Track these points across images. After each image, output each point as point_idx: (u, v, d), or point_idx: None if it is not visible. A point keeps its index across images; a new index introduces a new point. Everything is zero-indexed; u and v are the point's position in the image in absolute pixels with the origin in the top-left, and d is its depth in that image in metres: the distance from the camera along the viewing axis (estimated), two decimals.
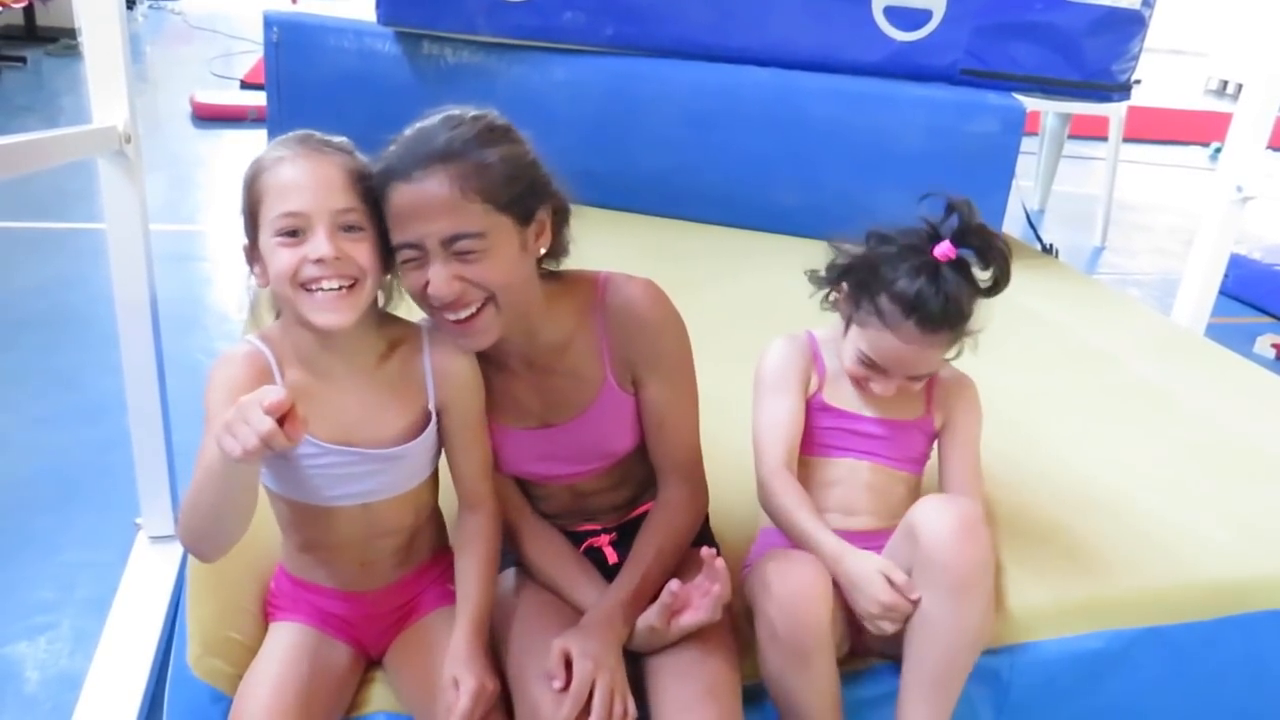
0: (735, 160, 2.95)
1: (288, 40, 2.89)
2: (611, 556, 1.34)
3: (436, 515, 1.32)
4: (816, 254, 1.40)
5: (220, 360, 1.15)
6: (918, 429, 1.44)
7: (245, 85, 6.44)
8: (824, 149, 2.92)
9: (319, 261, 1.05)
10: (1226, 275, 2.83)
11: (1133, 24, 3.11)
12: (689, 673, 1.20)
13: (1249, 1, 9.42)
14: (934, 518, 1.22)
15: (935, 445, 1.46)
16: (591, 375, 1.28)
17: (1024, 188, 4.75)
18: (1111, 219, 4.80)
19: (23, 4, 6.80)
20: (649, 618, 1.21)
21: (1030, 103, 3.09)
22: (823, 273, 1.40)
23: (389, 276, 1.16)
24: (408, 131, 1.16)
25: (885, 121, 2.91)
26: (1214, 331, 2.79)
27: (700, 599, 1.19)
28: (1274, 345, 3.83)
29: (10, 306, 3.12)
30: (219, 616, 1.25)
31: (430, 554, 1.31)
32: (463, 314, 1.14)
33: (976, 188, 3.00)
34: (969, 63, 3.04)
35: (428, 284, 1.12)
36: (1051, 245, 3.93)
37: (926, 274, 1.27)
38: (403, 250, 1.12)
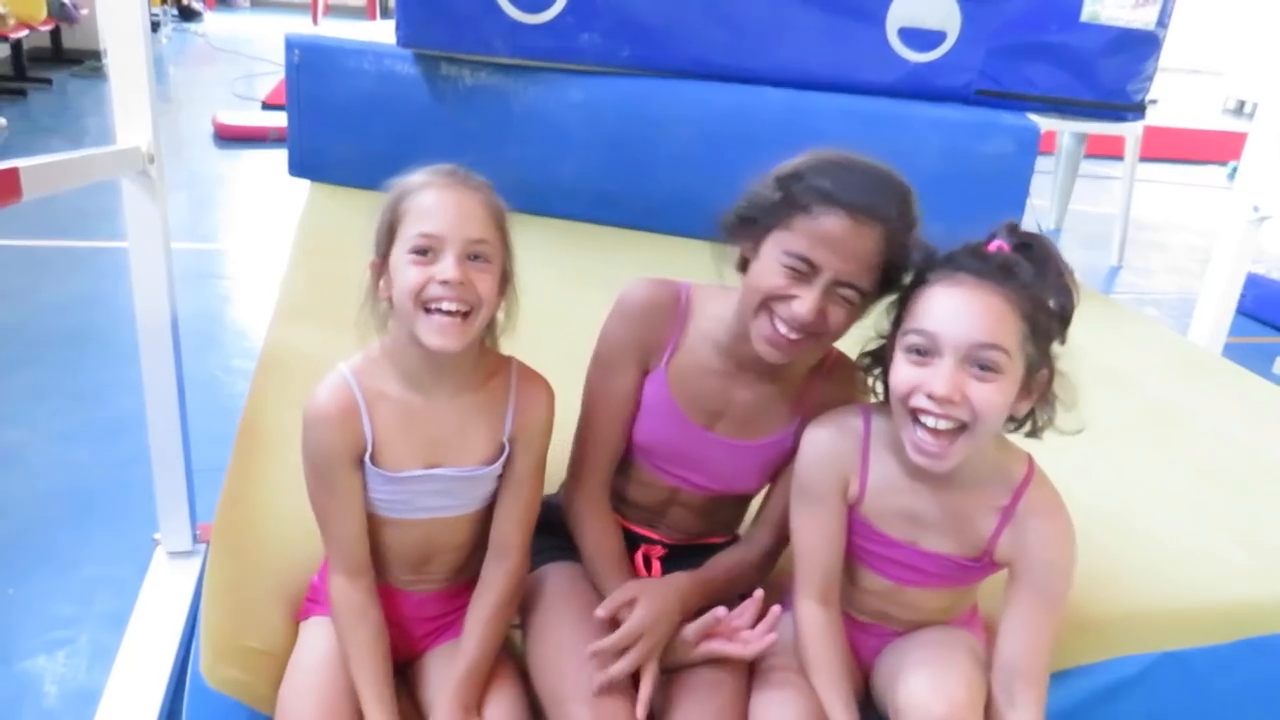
0: (750, 180, 2.96)
1: (308, 62, 2.93)
2: (656, 571, 1.35)
3: (480, 539, 1.34)
4: None
5: (314, 410, 1.17)
6: (977, 569, 1.21)
7: (266, 106, 6.52)
8: None
9: (445, 283, 1.09)
10: (1244, 295, 2.82)
11: (1147, 44, 3.12)
12: (709, 687, 1.22)
13: (1266, 21, 9.40)
14: (921, 705, 1.12)
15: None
16: (787, 412, 1.29)
17: (1039, 207, 4.74)
18: (1128, 238, 4.79)
19: (49, 26, 6.91)
20: (685, 631, 1.22)
21: (1045, 123, 3.09)
22: (871, 345, 1.21)
23: (500, 313, 1.20)
24: (850, 162, 1.16)
25: (900, 142, 2.92)
26: (1232, 351, 2.77)
27: (742, 636, 1.21)
28: None
29: (32, 324, 3.16)
30: (234, 625, 1.25)
31: (476, 573, 1.32)
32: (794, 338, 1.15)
33: (991, 208, 3.03)
34: (983, 83, 3.04)
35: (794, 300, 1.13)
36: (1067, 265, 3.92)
37: (968, 247, 1.12)
38: (792, 260, 1.13)
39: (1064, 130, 4.55)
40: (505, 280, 1.18)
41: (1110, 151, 5.15)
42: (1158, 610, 1.50)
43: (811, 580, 1.23)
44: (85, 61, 7.24)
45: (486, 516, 1.28)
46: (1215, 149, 7.65)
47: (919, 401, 1.07)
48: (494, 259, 1.14)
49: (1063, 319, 1.11)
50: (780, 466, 1.32)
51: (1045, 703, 1.17)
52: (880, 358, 1.19)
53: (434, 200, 1.12)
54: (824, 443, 1.21)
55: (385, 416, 1.18)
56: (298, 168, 3.04)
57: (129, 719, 1.63)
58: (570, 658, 1.21)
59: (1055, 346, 1.12)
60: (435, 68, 2.90)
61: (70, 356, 2.94)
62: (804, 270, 1.13)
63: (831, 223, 1.11)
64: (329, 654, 1.20)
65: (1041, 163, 3.29)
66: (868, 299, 1.16)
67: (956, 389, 1.05)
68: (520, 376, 1.24)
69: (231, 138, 5.79)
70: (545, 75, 2.91)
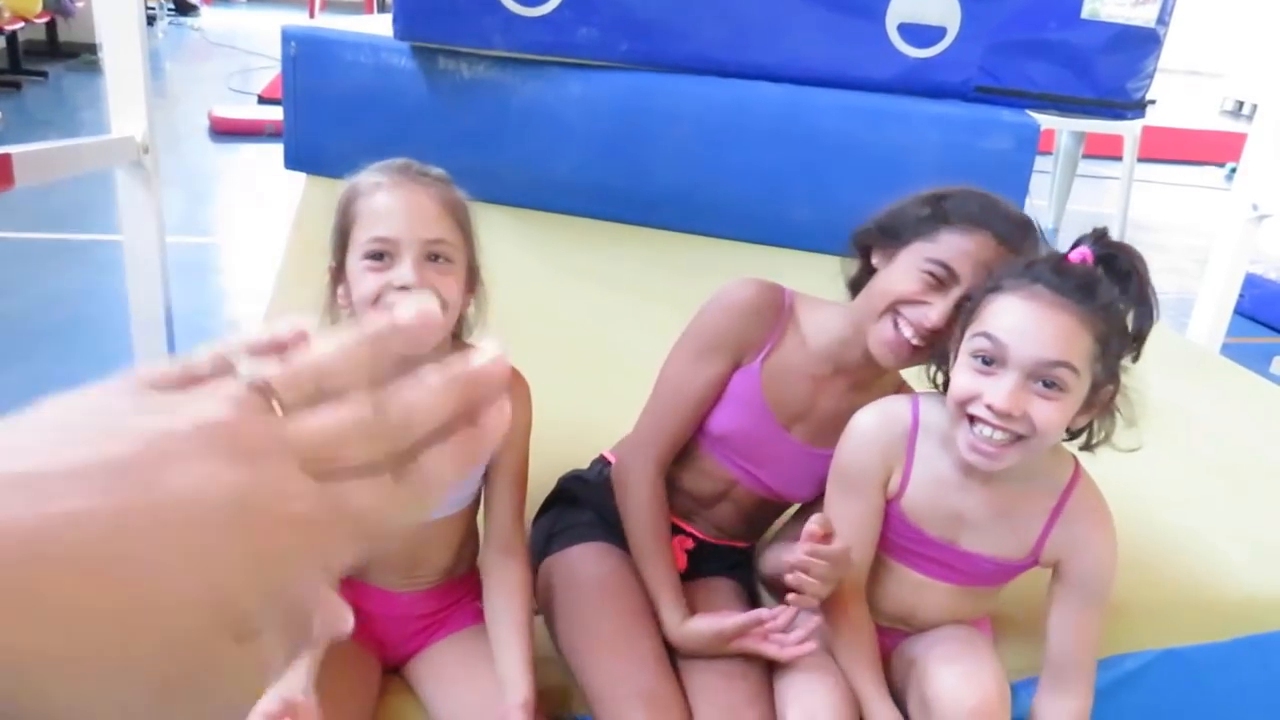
0: (748, 175, 2.95)
1: (305, 54, 2.91)
2: (681, 562, 1.36)
3: (476, 534, 1.33)
4: (830, 269, 1.39)
5: None
6: (1016, 569, 1.22)
7: (263, 100, 6.50)
8: (837, 165, 2.92)
9: (402, 289, 1.06)
10: (1242, 295, 2.82)
11: (1148, 42, 3.10)
12: (739, 672, 1.23)
13: (1265, 23, 9.41)
14: (953, 698, 1.13)
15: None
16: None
17: (1038, 206, 4.74)
18: (1126, 238, 4.75)
19: (45, 19, 6.88)
20: (724, 625, 1.22)
21: (1045, 120, 3.08)
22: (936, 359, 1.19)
23: (471, 307, 1.17)
24: (994, 198, 1.22)
25: (899, 138, 2.91)
26: (1230, 351, 2.77)
27: (777, 638, 1.21)
28: None
29: (27, 317, 3.14)
30: None
31: (468, 569, 1.32)
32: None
33: None
34: (983, 80, 3.03)
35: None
36: None
37: (1050, 259, 1.10)
38: (933, 266, 1.17)
39: (1063, 129, 4.54)
40: (472, 274, 1.14)
41: (1108, 152, 5.15)
42: (1156, 607, 1.50)
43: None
44: (81, 55, 7.22)
45: (470, 513, 1.27)
46: (1214, 150, 7.64)
47: (977, 410, 1.06)
48: (455, 257, 1.10)
49: (1137, 337, 1.10)
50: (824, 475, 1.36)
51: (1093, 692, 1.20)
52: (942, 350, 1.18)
53: (385, 202, 1.08)
54: (870, 430, 1.20)
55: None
56: (294, 161, 3.03)
57: None
58: (619, 655, 1.21)
59: (1125, 362, 1.11)
60: (432, 61, 2.88)
61: (64, 350, 2.92)
62: (942, 278, 1.17)
63: (979, 240, 1.17)
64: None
65: (1040, 162, 3.28)
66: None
67: (1018, 405, 1.03)
68: None
69: (227, 132, 5.78)
70: (543, 69, 2.90)
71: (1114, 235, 1.17)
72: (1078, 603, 1.18)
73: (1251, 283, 4.00)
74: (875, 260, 1.25)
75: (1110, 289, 1.07)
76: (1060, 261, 1.09)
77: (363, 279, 1.08)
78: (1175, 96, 9.43)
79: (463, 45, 2.87)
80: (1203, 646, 1.47)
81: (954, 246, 1.17)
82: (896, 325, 1.20)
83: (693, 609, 1.28)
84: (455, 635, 1.26)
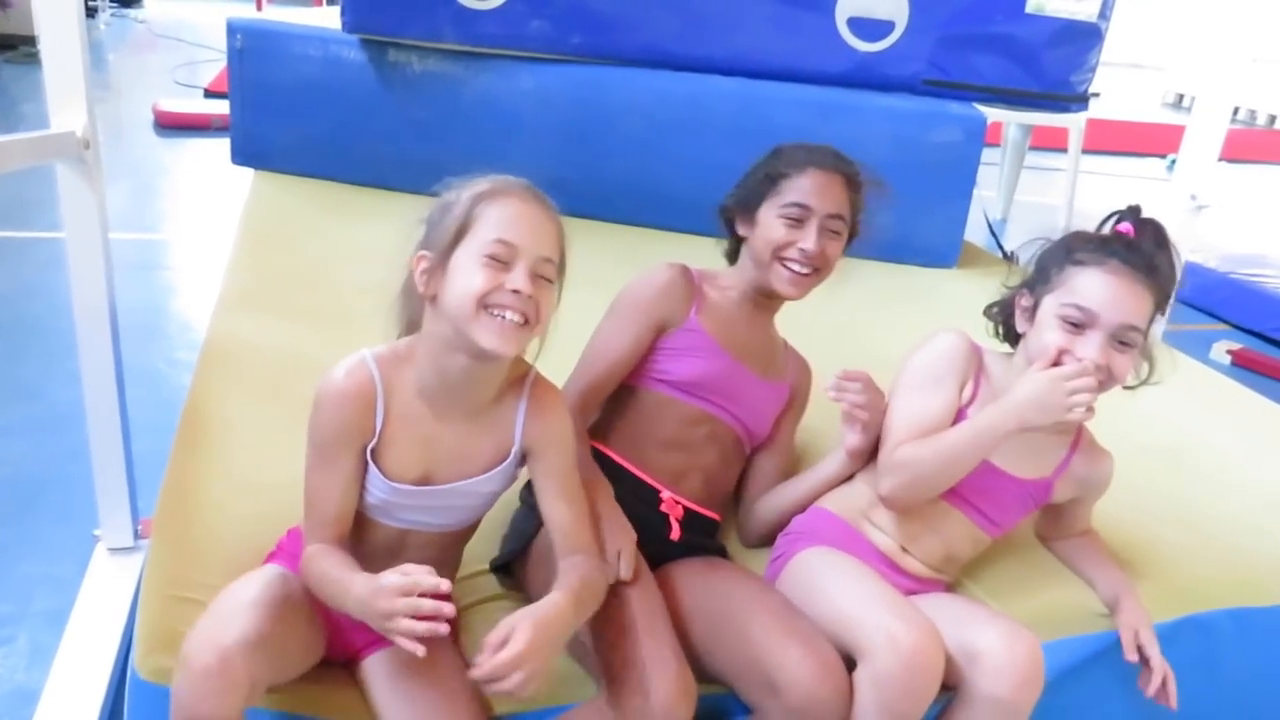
0: (702, 168, 2.94)
1: (251, 47, 2.87)
2: (675, 532, 1.46)
3: (459, 557, 1.37)
4: None
5: (331, 388, 1.16)
6: (1035, 493, 1.45)
7: (209, 94, 6.39)
8: None
9: (515, 292, 1.11)
10: (1183, 283, 2.87)
11: (1090, 36, 3.16)
12: (708, 566, 1.45)
13: (1204, 16, 9.61)
14: (1002, 654, 1.24)
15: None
16: (780, 364, 1.62)
17: (986, 198, 4.80)
18: (1072, 228, 4.85)
19: None
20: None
21: (991, 113, 3.13)
22: (1002, 294, 1.46)
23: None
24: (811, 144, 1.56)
25: (850, 130, 2.93)
26: (1172, 338, 2.82)
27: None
28: (1229, 351, 3.91)
29: None
30: (171, 615, 1.23)
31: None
32: None
33: (939, 196, 3.07)
34: (931, 73, 3.07)
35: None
36: (1013, 253, 3.98)
37: (1117, 238, 1.37)
38: (789, 209, 1.48)
39: (1010, 122, 4.61)
40: (555, 303, 1.19)
41: (1055, 144, 5.23)
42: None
43: (916, 436, 1.37)
44: (19, 47, 7.04)
45: (464, 536, 1.31)
46: (1156, 142, 7.80)
47: (1069, 363, 1.30)
48: (554, 278, 1.17)
49: (1169, 296, 1.38)
50: (777, 419, 1.60)
51: None
52: (1005, 306, 1.45)
53: (516, 211, 1.14)
54: (956, 343, 1.43)
55: (398, 412, 1.18)
56: (241, 156, 2.98)
57: (69, 719, 1.60)
58: (618, 615, 1.25)
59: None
60: (383, 54, 2.85)
61: (9, 349, 2.86)
62: (800, 216, 1.48)
63: (812, 175, 1.49)
64: (272, 576, 1.17)
65: (988, 154, 3.33)
66: (846, 235, 1.52)
67: (1105, 358, 1.30)
68: (534, 384, 1.25)
69: (173, 126, 5.67)
70: (495, 62, 2.88)
71: (1061, 226, 1.36)
72: (1087, 506, 1.53)
73: (1191, 271, 4.09)
74: (741, 230, 1.55)
75: (1161, 262, 1.33)
76: (1125, 239, 1.35)
77: (473, 274, 1.11)
78: (1118, 89, 9.60)
79: (413, 38, 2.84)
80: None
81: (796, 188, 1.48)
82: (787, 266, 1.49)
83: (703, 586, 1.39)
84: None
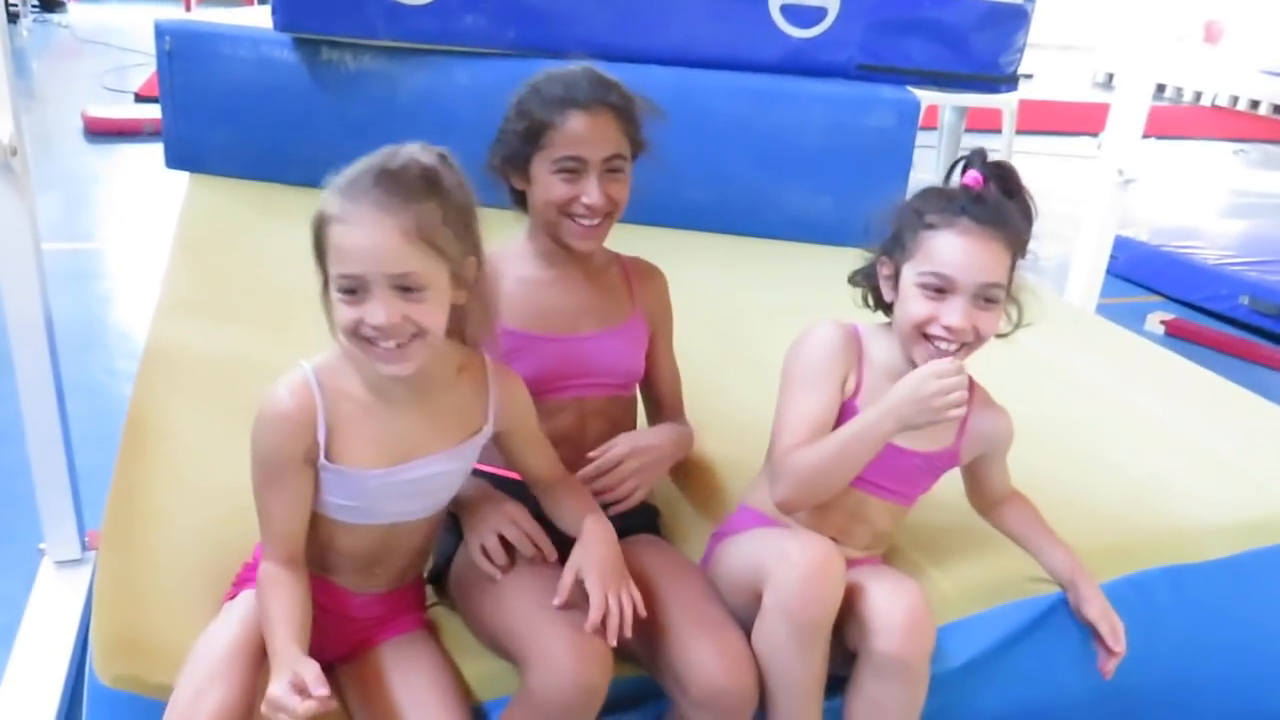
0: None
1: (181, 50, 2.82)
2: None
3: (433, 544, 1.37)
4: (727, 249, 1.45)
5: (270, 409, 1.15)
6: (940, 462, 1.43)
7: (140, 98, 6.25)
8: (729, 146, 2.96)
9: (376, 326, 1.08)
10: (1116, 257, 2.96)
11: (1017, 18, 3.23)
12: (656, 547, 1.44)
13: None
14: (885, 611, 1.27)
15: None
16: (626, 301, 1.52)
17: (924, 180, 4.88)
18: None
19: None
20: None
21: (925, 96, 3.18)
22: (862, 263, 1.43)
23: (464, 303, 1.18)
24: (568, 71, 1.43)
25: (786, 117, 2.97)
26: (1107, 311, 2.92)
27: None
28: (1163, 322, 4.02)
29: None
30: (126, 620, 1.23)
31: (415, 577, 1.35)
32: None
33: (875, 180, 3.11)
34: (864, 58, 3.11)
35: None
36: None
37: (963, 192, 1.33)
38: (561, 163, 1.37)
39: (945, 105, 4.67)
40: (463, 283, 1.15)
41: (990, 125, 5.32)
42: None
43: (795, 441, 1.32)
44: None
45: (437, 521, 1.31)
46: (1087, 120, 7.93)
47: (934, 330, 1.30)
48: (429, 284, 1.10)
49: (1025, 241, 1.34)
50: (644, 346, 1.53)
51: None
52: (869, 275, 1.42)
53: (349, 238, 1.08)
54: (831, 336, 1.38)
55: (348, 415, 1.17)
56: (175, 160, 2.94)
57: None
58: (527, 594, 1.25)
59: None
60: (316, 53, 2.83)
61: None
62: (575, 168, 1.36)
63: (577, 118, 1.35)
64: (249, 616, 1.17)
65: (925, 138, 3.38)
66: (630, 167, 1.44)
67: (969, 321, 1.28)
68: (496, 371, 1.26)
69: (103, 132, 5.55)
70: (430, 58, 2.87)
71: None
72: (999, 461, 1.48)
73: (1124, 245, 4.20)
74: (517, 184, 1.44)
75: (1011, 210, 1.31)
76: (973, 192, 1.31)
77: (340, 308, 1.10)
78: (1051, 70, 9.79)
79: (346, 36, 2.82)
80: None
81: (564, 138, 1.35)
82: (576, 220, 1.39)
83: (651, 563, 1.38)
84: (390, 643, 1.27)
